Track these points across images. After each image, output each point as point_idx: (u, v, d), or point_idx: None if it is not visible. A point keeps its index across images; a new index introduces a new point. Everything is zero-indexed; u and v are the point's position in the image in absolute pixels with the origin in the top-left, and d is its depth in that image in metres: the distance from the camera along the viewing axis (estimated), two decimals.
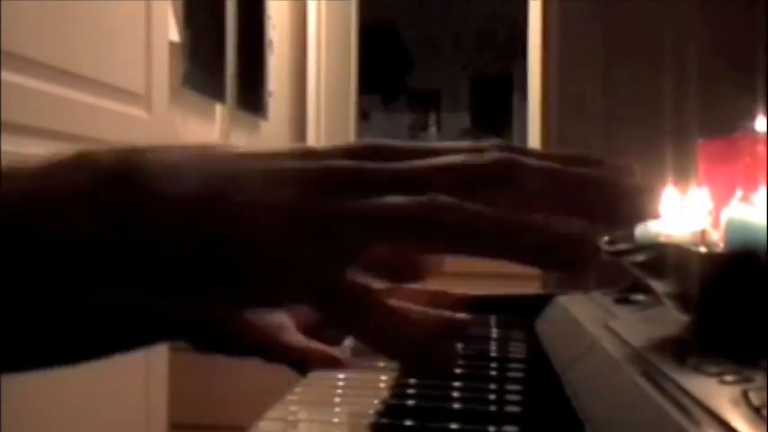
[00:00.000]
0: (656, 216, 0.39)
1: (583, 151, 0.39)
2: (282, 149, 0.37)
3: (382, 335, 0.35)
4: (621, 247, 0.54)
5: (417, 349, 0.35)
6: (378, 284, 0.38)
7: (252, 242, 0.33)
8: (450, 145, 0.37)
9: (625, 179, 0.38)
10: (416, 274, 0.41)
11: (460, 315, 0.49)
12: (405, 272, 0.40)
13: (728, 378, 0.38)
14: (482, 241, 0.34)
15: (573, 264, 0.35)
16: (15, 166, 0.35)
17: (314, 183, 0.35)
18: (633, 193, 0.37)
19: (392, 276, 0.41)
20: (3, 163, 0.35)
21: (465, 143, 0.37)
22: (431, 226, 0.34)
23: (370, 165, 0.35)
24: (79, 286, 0.34)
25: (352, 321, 0.35)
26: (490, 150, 0.36)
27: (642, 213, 0.38)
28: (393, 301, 0.36)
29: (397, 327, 0.35)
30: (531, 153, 0.37)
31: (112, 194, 0.33)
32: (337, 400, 0.58)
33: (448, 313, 0.49)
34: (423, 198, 0.33)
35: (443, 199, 0.33)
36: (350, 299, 0.34)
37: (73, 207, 0.33)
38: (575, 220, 0.36)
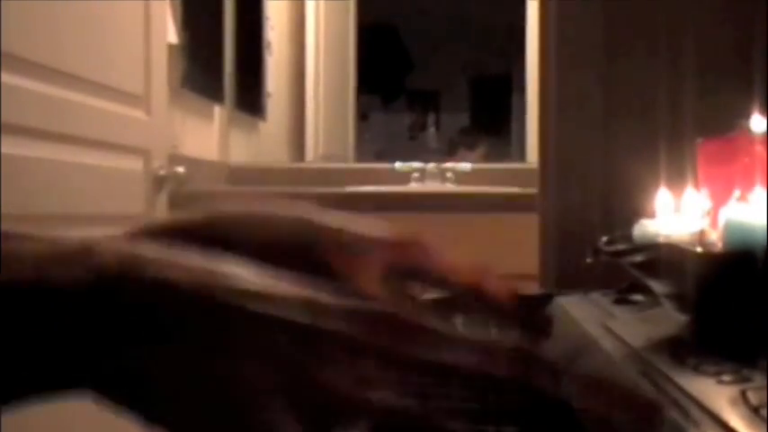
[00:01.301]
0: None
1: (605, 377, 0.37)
2: (295, 294, 0.35)
3: None
4: (620, 247, 0.54)
5: None
6: None
7: (239, 374, 0.33)
8: (462, 335, 0.36)
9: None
10: None
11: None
12: None
13: (727, 378, 0.38)
14: None
15: None
16: (12, 250, 0.35)
17: (312, 345, 0.34)
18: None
19: None
20: (7, 240, 0.35)
21: (482, 339, 0.36)
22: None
23: (377, 344, 0.35)
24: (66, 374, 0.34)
25: None
26: (504, 353, 0.35)
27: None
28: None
29: None
30: (547, 365, 0.35)
31: (117, 295, 0.34)
32: None
33: None
34: (420, 411, 0.33)
35: (440, 419, 0.33)
36: None
37: (73, 302, 0.33)
38: None
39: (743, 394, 0.35)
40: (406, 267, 0.53)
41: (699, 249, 0.45)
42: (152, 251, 0.36)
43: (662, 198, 0.56)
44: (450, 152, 3.48)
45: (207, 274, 0.35)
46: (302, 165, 3.24)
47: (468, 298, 0.55)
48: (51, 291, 0.34)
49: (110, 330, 0.33)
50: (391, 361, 0.34)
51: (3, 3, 1.47)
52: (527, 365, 0.35)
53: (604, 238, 0.58)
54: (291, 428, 0.33)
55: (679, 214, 0.54)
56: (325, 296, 0.35)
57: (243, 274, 0.36)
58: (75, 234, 0.42)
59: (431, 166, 3.05)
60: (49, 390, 0.35)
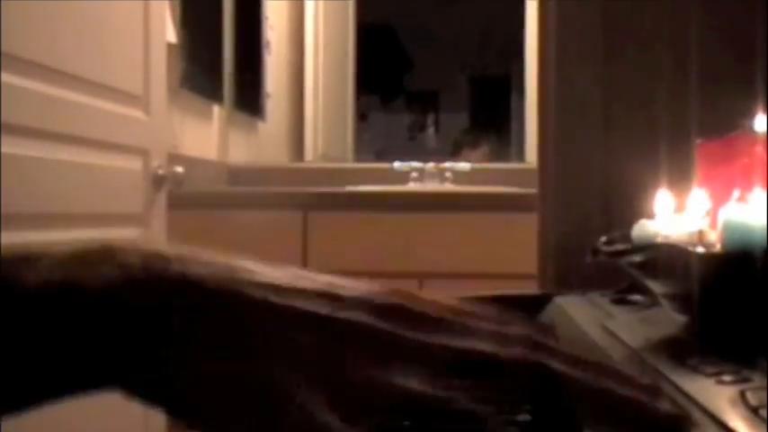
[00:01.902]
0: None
1: (610, 364, 0.38)
2: (311, 286, 0.36)
3: None
4: (619, 247, 0.54)
5: None
6: None
7: (267, 366, 0.34)
8: (475, 322, 0.37)
9: (657, 402, 0.36)
10: None
11: None
12: None
13: (726, 378, 0.38)
14: None
15: None
16: (34, 252, 0.35)
17: (335, 335, 0.35)
18: (666, 420, 0.36)
19: None
20: (20, 249, 0.35)
21: (493, 326, 0.37)
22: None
23: (396, 330, 0.35)
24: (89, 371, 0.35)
25: None
26: (517, 342, 0.36)
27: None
28: None
29: None
30: (559, 352, 0.36)
31: (143, 293, 0.34)
32: None
33: None
34: (441, 395, 0.34)
35: (461, 404, 0.34)
36: None
37: (100, 301, 0.34)
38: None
39: (743, 394, 0.35)
40: None
41: (699, 249, 0.45)
42: (173, 249, 0.36)
43: (662, 198, 0.56)
44: (453, 152, 3.48)
45: (229, 269, 0.36)
46: (301, 165, 3.24)
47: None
48: (79, 290, 0.34)
49: (137, 327, 0.34)
50: (407, 347, 0.35)
51: (3, 3, 1.47)
52: (541, 351, 0.36)
53: (603, 239, 0.58)
54: (329, 420, 0.33)
55: (679, 214, 0.54)
56: (342, 287, 0.36)
57: (263, 269, 0.36)
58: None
59: (430, 165, 3.05)
60: (79, 389, 0.35)
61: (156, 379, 0.34)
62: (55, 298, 0.34)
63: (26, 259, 0.35)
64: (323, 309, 0.35)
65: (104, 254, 0.35)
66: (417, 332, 0.35)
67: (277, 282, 0.36)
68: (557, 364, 0.35)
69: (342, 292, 0.36)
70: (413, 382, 0.34)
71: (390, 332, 0.35)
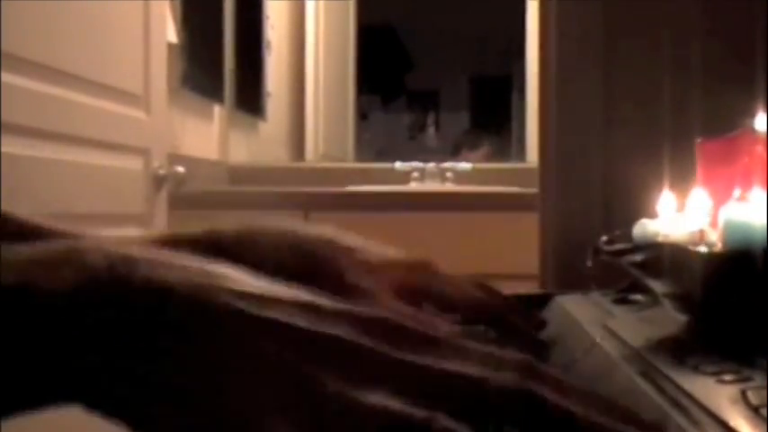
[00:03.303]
0: None
1: (607, 397, 0.36)
2: (291, 297, 0.34)
3: None
4: (620, 247, 0.54)
5: None
6: None
7: (236, 379, 0.31)
8: (467, 347, 0.34)
9: None
10: None
11: None
12: None
13: (727, 377, 0.38)
14: None
15: None
16: (6, 254, 0.33)
17: (312, 350, 0.32)
18: None
19: None
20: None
21: (485, 349, 0.34)
22: None
23: (380, 350, 0.33)
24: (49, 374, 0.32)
25: None
26: (510, 370, 0.33)
27: None
28: None
29: None
30: (557, 382, 0.34)
31: (106, 297, 0.32)
32: None
33: None
34: (422, 415, 0.31)
35: (443, 423, 0.31)
36: None
37: (62, 305, 0.31)
38: None
39: (743, 394, 0.35)
40: (417, 288, 0.54)
41: (699, 249, 0.45)
42: (144, 252, 0.34)
43: (664, 198, 0.56)
44: (453, 152, 3.48)
45: (203, 275, 0.33)
46: (302, 164, 3.24)
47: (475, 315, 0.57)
48: (33, 292, 0.31)
49: (99, 335, 0.31)
50: (389, 366, 0.33)
51: (3, 3, 1.47)
52: (530, 375, 0.33)
53: (604, 238, 0.58)
54: None
55: (680, 214, 0.54)
56: (322, 301, 0.34)
57: (240, 277, 0.34)
58: (81, 230, 0.41)
59: (431, 165, 3.06)
60: (36, 402, 0.33)
61: (112, 389, 0.31)
62: (10, 301, 0.31)
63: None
64: (302, 321, 0.33)
65: (68, 255, 0.33)
66: (402, 350, 0.33)
67: (254, 291, 0.33)
68: (548, 394, 0.33)
69: (323, 305, 0.34)
70: (393, 404, 0.32)
71: (372, 349, 0.33)
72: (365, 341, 0.33)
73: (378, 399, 0.32)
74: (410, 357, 0.33)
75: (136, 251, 0.34)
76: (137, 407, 0.31)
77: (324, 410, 0.31)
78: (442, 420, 0.31)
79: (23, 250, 0.33)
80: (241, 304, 0.33)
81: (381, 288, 0.52)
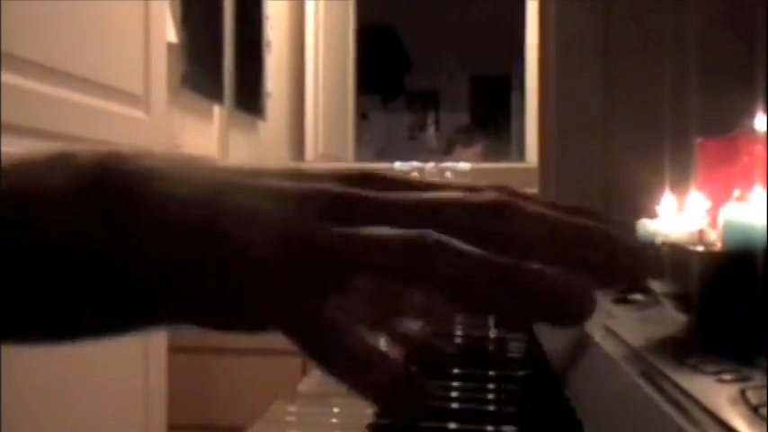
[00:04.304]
0: (658, 275, 0.38)
1: (583, 205, 0.37)
2: (275, 168, 0.36)
3: (349, 375, 0.33)
4: None
5: (384, 396, 0.33)
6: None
7: (235, 251, 0.32)
8: (448, 182, 0.36)
9: (626, 237, 0.36)
10: (409, 314, 0.41)
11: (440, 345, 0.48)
12: (396, 311, 0.40)
13: (727, 377, 0.38)
14: (472, 289, 0.32)
15: (569, 319, 0.33)
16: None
17: (304, 204, 0.34)
18: (634, 252, 0.36)
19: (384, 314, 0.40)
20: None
21: (463, 182, 0.36)
22: (417, 265, 0.32)
23: (364, 192, 0.34)
24: (67, 276, 0.33)
25: (320, 356, 0.33)
26: (489, 191, 0.35)
27: (643, 273, 0.37)
28: (371, 339, 0.35)
29: (367, 368, 0.33)
30: (532, 199, 0.35)
31: (99, 192, 0.33)
32: (335, 400, 0.58)
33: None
34: (413, 233, 0.32)
35: (434, 236, 0.32)
36: (321, 330, 0.33)
37: (58, 204, 0.33)
38: (571, 273, 0.33)
39: (743, 393, 0.35)
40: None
41: (699, 248, 0.45)
42: (133, 151, 0.35)
43: (664, 198, 0.56)
44: (447, 150, 3.48)
45: (189, 160, 0.36)
46: (302, 164, 3.24)
47: None
48: (30, 196, 0.33)
49: (97, 228, 0.32)
50: (377, 205, 0.34)
51: (3, 3, 1.47)
52: (511, 195, 0.35)
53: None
54: (305, 290, 0.32)
55: (680, 214, 0.54)
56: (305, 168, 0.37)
57: (224, 162, 0.37)
58: None
59: (430, 165, 3.06)
60: (49, 314, 0.34)
61: (120, 282, 0.33)
62: (7, 205, 0.33)
63: None
64: (288, 184, 0.35)
65: (59, 157, 0.34)
66: (388, 193, 0.35)
67: (243, 167, 0.36)
68: (531, 207, 0.34)
69: (305, 169, 0.36)
70: (392, 231, 0.32)
71: (358, 194, 0.34)
72: (352, 190, 0.34)
73: (375, 230, 0.32)
74: (396, 196, 0.35)
75: (125, 150, 0.35)
76: (137, 299, 0.33)
77: (314, 246, 0.32)
78: (434, 234, 0.32)
79: (23, 159, 0.35)
80: (228, 174, 0.35)
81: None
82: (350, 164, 3.29)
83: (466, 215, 0.34)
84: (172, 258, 0.33)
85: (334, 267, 0.32)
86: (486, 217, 0.34)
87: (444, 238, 0.32)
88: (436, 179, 0.37)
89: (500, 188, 0.35)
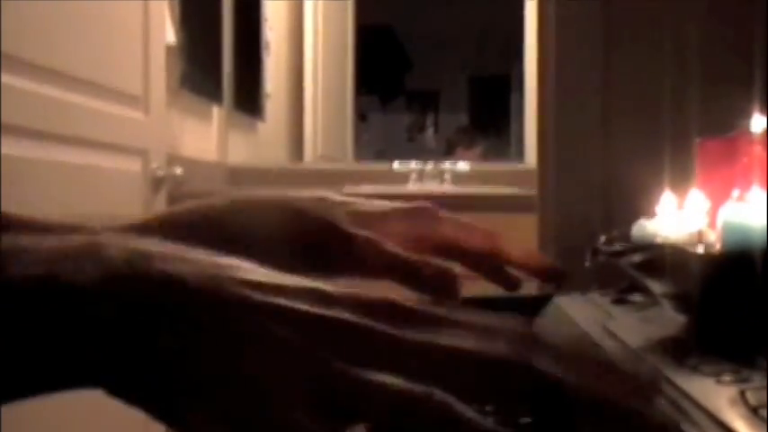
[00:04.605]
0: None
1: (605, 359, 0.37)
2: (296, 284, 0.36)
3: None
4: (619, 247, 0.54)
5: None
6: None
7: (251, 365, 0.33)
8: (469, 318, 0.36)
9: (649, 406, 0.35)
10: None
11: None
12: None
13: (726, 378, 0.38)
14: None
15: None
16: (22, 245, 0.35)
17: (321, 333, 0.34)
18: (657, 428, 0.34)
19: None
20: (6, 234, 0.35)
21: (487, 319, 0.36)
22: (418, 423, 0.33)
23: (382, 329, 0.34)
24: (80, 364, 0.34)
25: None
26: (504, 342, 0.35)
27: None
28: None
29: None
30: (550, 349, 0.35)
31: (126, 290, 0.33)
32: None
33: None
34: (420, 390, 0.33)
35: (439, 397, 0.32)
36: None
37: (85, 297, 0.33)
38: None
39: (742, 394, 0.35)
40: (421, 235, 0.55)
41: (698, 249, 0.45)
42: (157, 245, 0.36)
43: (664, 198, 0.56)
44: (447, 151, 3.48)
45: (214, 267, 0.35)
46: (301, 165, 3.24)
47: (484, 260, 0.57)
48: (60, 285, 0.33)
49: (116, 325, 0.33)
50: (393, 346, 0.34)
51: (3, 3, 1.47)
52: (527, 347, 0.34)
53: (603, 239, 0.58)
54: (313, 425, 0.32)
55: (679, 214, 0.54)
56: (327, 286, 0.36)
57: (249, 267, 0.36)
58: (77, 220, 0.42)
59: (429, 166, 3.05)
60: (59, 385, 0.35)
61: (134, 378, 0.34)
62: (36, 292, 0.33)
63: (12, 253, 0.34)
64: (307, 306, 0.34)
65: (89, 249, 0.34)
66: (405, 330, 0.35)
67: (262, 279, 0.35)
68: (545, 363, 0.34)
69: (327, 290, 0.36)
70: (395, 380, 0.33)
71: (374, 329, 0.34)
72: (368, 323, 0.34)
73: (381, 377, 0.33)
74: (410, 336, 0.35)
75: (150, 245, 0.36)
76: (153, 391, 0.34)
77: (333, 389, 0.33)
78: (438, 395, 0.32)
79: (51, 242, 0.35)
80: (249, 291, 0.34)
81: (382, 236, 0.54)
82: (350, 164, 3.29)
83: (476, 373, 0.34)
84: (202, 381, 0.33)
85: (344, 405, 0.33)
86: (500, 376, 0.34)
87: (450, 400, 0.33)
88: (459, 310, 0.37)
89: (519, 335, 0.35)
